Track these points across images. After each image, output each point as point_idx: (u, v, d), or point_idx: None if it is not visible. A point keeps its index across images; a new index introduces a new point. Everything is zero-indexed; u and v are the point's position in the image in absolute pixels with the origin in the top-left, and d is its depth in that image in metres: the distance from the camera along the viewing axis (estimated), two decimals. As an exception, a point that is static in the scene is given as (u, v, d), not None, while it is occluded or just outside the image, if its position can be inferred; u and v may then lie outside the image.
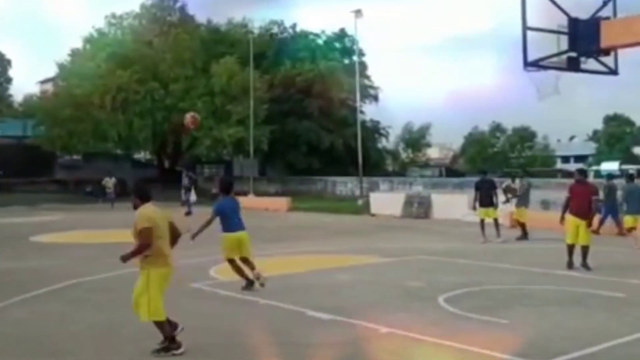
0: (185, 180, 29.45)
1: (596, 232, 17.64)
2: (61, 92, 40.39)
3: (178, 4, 45.01)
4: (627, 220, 15.63)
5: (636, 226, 15.36)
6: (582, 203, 11.63)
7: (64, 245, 16.85)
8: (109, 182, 33.01)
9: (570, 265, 11.65)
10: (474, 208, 17.06)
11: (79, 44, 42.22)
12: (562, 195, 21.47)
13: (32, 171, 40.58)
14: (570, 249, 11.71)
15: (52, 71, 43.34)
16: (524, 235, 16.97)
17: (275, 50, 44.47)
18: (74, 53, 41.53)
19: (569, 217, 11.67)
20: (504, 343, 6.94)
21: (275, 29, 48.79)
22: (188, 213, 26.49)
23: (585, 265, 11.63)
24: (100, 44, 40.33)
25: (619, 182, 18.71)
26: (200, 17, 45.56)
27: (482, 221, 16.40)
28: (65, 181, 42.45)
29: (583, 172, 12.63)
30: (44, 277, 11.28)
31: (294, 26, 49.14)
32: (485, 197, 16.50)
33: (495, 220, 16.46)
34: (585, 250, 11.68)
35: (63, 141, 38.82)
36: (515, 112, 72.64)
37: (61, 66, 41.66)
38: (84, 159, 44.33)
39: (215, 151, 40.85)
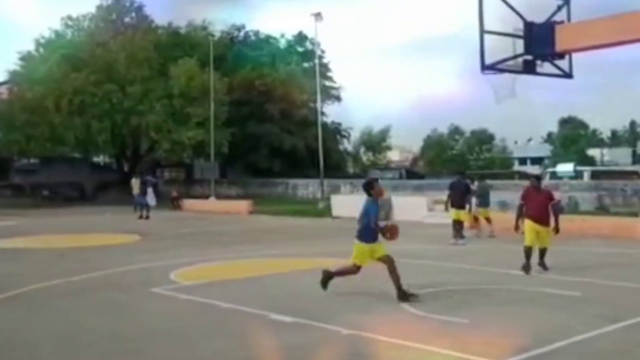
0: (137, 185, 28.60)
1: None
2: (14, 96, 39.56)
3: (135, 5, 44.53)
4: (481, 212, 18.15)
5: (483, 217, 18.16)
6: (539, 210, 11.61)
7: (21, 251, 16.50)
8: (136, 184, 28.97)
9: (527, 268, 11.41)
10: (447, 209, 17.13)
11: (31, 47, 41.42)
12: (519, 197, 21.99)
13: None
14: (528, 251, 11.55)
15: (3, 75, 42.43)
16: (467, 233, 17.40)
17: (235, 53, 44.34)
18: (25, 56, 40.66)
19: (528, 222, 11.65)
20: (465, 343, 7.03)
21: (235, 33, 48.65)
22: (145, 217, 26.19)
23: (542, 264, 11.68)
24: (53, 47, 39.61)
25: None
26: (161, 20, 45.16)
27: (454, 222, 16.59)
28: (21, 186, 41.58)
29: (538, 179, 12.77)
30: (2, 283, 11.01)
31: (256, 32, 49.12)
32: (457, 199, 16.72)
33: (461, 222, 16.67)
34: (543, 251, 11.74)
35: (20, 146, 38.05)
36: (473, 115, 74.08)
37: (13, 71, 40.80)
38: (41, 162, 43.48)
39: (175, 154, 40.49)
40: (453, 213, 16.67)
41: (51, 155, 40.70)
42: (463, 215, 16.78)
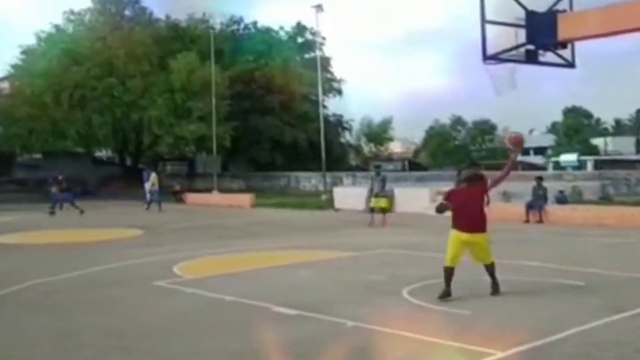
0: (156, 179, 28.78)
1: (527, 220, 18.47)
2: (15, 90, 39.58)
3: (133, -1, 44.47)
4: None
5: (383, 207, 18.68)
6: (471, 211, 8.69)
7: (23, 246, 16.51)
8: (154, 178, 28.61)
9: (447, 294, 8.62)
10: None
11: (32, 41, 41.40)
12: (522, 187, 21.98)
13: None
14: (449, 274, 8.76)
15: (6, 69, 42.39)
16: None
17: (235, 46, 44.21)
18: (26, 51, 40.63)
19: (455, 233, 8.80)
20: (467, 334, 7.01)
21: (235, 26, 48.55)
22: (146, 208, 26.47)
23: (495, 287, 8.94)
24: (53, 41, 39.57)
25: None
26: (159, 13, 45.10)
27: None
28: (25, 181, 41.62)
29: (475, 167, 9.55)
30: (0, 279, 11.01)
31: (254, 23, 49.00)
32: None
33: None
34: (489, 269, 8.96)
35: (22, 140, 38.07)
36: (475, 106, 73.75)
37: (14, 65, 40.78)
38: (44, 157, 43.51)
39: (178, 148, 40.47)
40: None
41: (54, 150, 40.72)
42: None
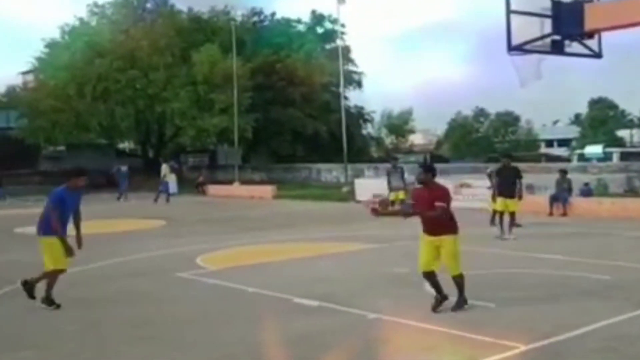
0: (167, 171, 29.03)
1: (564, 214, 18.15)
2: (40, 83, 39.99)
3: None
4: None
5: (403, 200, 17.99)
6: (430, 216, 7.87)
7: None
8: (167, 170, 28.77)
9: (438, 303, 7.77)
10: (494, 199, 14.97)
11: (56, 35, 41.76)
12: (546, 179, 21.76)
13: (16, 163, 40.17)
14: (430, 279, 7.96)
15: (30, 62, 42.79)
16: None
17: (256, 38, 44.22)
18: (50, 44, 40.98)
19: (421, 235, 8.09)
20: (490, 327, 6.96)
21: (256, 17, 48.57)
22: (155, 200, 26.90)
23: (459, 303, 7.76)
24: (77, 34, 39.87)
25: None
26: (181, 5, 45.22)
27: (501, 213, 14.51)
28: (49, 172, 42.08)
29: (429, 169, 8.26)
30: (28, 270, 11.10)
31: (273, 14, 48.99)
32: (506, 187, 14.39)
33: (512, 213, 14.27)
34: (458, 281, 7.90)
35: (46, 132, 38.47)
36: (498, 97, 73.14)
37: (39, 58, 41.18)
38: (67, 149, 43.96)
39: (200, 140, 40.64)
40: (500, 203, 14.53)
41: (77, 142, 41.11)
42: (512, 205, 14.34)
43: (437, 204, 7.74)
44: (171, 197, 28.77)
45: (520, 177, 14.59)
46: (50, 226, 8.36)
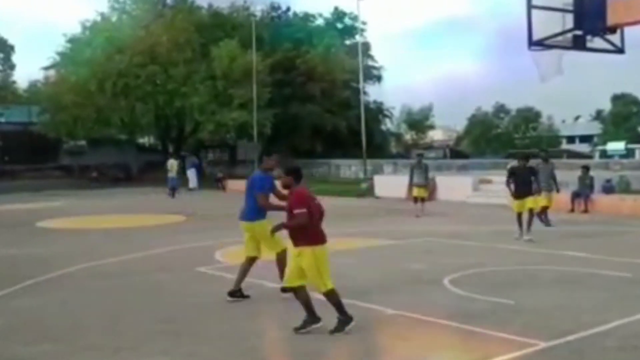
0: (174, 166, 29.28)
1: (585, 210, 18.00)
2: (61, 78, 40.34)
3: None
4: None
5: (423, 197, 18.52)
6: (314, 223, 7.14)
7: (70, 231, 16.88)
8: (174, 165, 28.99)
9: (309, 322, 6.88)
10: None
11: (77, 30, 42.07)
12: (568, 176, 21.58)
13: (38, 157, 40.67)
14: (298, 295, 7.08)
15: (52, 57, 43.16)
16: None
17: (275, 33, 44.22)
18: (72, 39, 41.32)
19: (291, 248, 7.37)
20: (509, 324, 6.93)
21: (274, 13, 48.58)
22: (172, 195, 27.16)
23: (342, 322, 6.84)
24: (97, 29, 40.13)
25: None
26: (201, 1, 45.30)
27: (519, 215, 13.81)
28: (70, 167, 42.53)
29: (291, 171, 7.25)
30: (49, 263, 11.29)
31: (288, 9, 49.02)
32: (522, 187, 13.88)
33: (531, 210, 13.74)
34: (332, 299, 6.98)
35: (67, 127, 38.80)
36: (519, 93, 72.49)
37: (60, 53, 41.53)
38: (88, 144, 44.35)
39: (219, 135, 40.76)
40: (517, 204, 13.86)
41: (98, 137, 41.45)
42: (531, 202, 13.75)
43: (296, 211, 6.90)
44: (191, 191, 28.93)
45: (536, 175, 14.11)
46: (258, 211, 8.62)
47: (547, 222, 15.71)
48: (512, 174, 14.15)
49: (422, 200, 18.73)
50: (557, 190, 16.26)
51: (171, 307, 8.12)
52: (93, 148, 43.31)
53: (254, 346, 6.49)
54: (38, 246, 13.68)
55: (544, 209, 15.63)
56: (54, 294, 9.00)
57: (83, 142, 44.59)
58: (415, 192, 18.58)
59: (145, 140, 51.12)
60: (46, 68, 45.37)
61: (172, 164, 29.10)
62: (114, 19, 42.06)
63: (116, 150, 43.11)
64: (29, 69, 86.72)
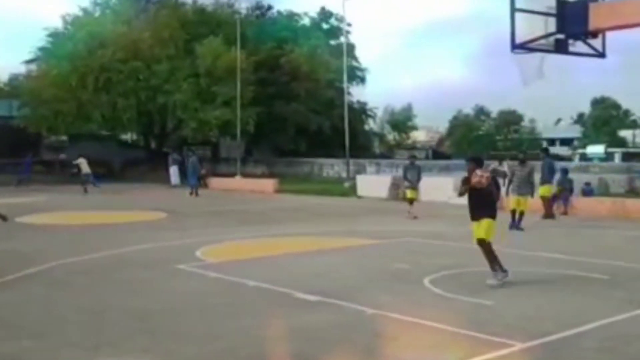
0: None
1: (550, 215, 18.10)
2: (43, 72, 39.97)
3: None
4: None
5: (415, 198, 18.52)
6: None
7: (50, 226, 16.74)
8: (84, 162, 28.92)
9: None
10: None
11: (59, 24, 41.70)
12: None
13: (18, 152, 40.23)
14: None
15: (33, 52, 42.74)
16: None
17: (260, 31, 44.13)
18: (53, 33, 40.95)
19: None
20: (488, 324, 6.99)
21: (259, 11, 48.48)
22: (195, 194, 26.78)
23: None
24: (79, 24, 39.81)
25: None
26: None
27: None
28: (51, 162, 42.13)
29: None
30: (29, 259, 11.20)
31: (269, 8, 48.96)
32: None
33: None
34: None
35: (48, 122, 38.44)
36: (502, 96, 73.05)
37: (42, 47, 41.14)
38: (69, 140, 43.98)
39: (202, 133, 40.63)
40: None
41: (79, 132, 41.12)
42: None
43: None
44: (173, 188, 28.74)
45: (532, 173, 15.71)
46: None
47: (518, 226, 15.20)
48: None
49: (412, 202, 18.47)
50: (532, 195, 15.77)
51: (151, 304, 8.09)
52: (74, 143, 42.96)
53: (233, 345, 6.49)
54: (17, 242, 13.55)
55: (521, 213, 15.33)
56: (33, 290, 8.93)
57: (64, 138, 44.23)
58: (410, 193, 18.42)
59: (127, 136, 50.77)
60: (27, 62, 44.95)
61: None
62: (96, 14, 41.73)
63: (98, 146, 42.75)
64: (9, 62, 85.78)
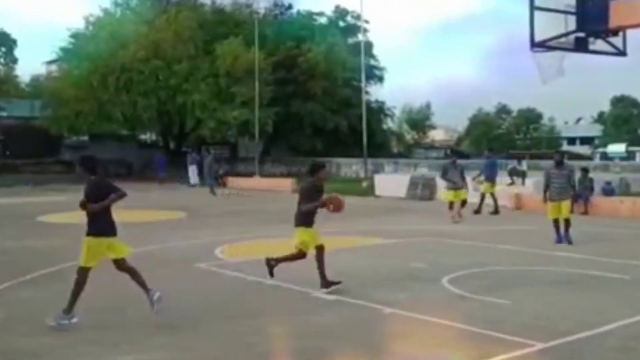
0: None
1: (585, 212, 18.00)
2: (64, 73, 40.39)
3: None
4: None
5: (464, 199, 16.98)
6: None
7: (70, 225, 16.86)
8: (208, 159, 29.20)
9: None
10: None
11: (81, 25, 42.08)
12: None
13: (39, 152, 40.69)
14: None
15: (55, 52, 43.13)
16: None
17: (278, 31, 44.21)
18: (75, 34, 41.33)
19: None
20: (506, 324, 6.95)
21: (277, 11, 48.59)
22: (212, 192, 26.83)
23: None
24: (101, 24, 40.15)
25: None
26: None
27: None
28: (71, 162, 42.53)
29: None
30: (50, 257, 11.33)
31: (289, 7, 48.99)
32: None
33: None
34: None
35: (69, 122, 38.82)
36: (521, 94, 72.37)
37: (63, 48, 41.54)
38: (90, 140, 44.36)
39: (220, 133, 40.78)
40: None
41: (100, 132, 41.48)
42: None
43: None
44: (192, 187, 28.84)
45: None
46: None
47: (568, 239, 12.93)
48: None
49: (463, 203, 16.96)
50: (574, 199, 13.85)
51: (170, 303, 8.14)
52: (94, 143, 43.28)
53: (252, 342, 6.52)
54: (38, 240, 13.72)
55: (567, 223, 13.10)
56: (54, 288, 9.03)
57: (85, 138, 44.61)
58: (451, 195, 16.93)
59: (146, 136, 51.13)
60: (49, 62, 45.40)
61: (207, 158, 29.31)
62: (117, 14, 42.07)
63: (118, 146, 43.12)
64: (31, 63, 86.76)
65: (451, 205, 16.92)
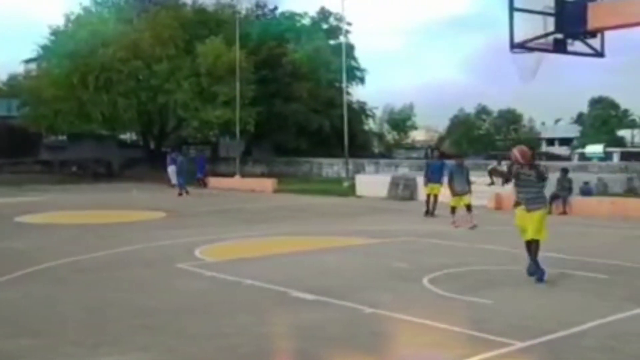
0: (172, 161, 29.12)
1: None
2: (43, 72, 39.99)
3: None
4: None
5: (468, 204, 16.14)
6: None
7: (49, 226, 16.74)
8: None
9: None
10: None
11: (60, 22, 41.72)
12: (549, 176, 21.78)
13: (17, 152, 40.29)
14: None
15: (35, 50, 42.73)
16: None
17: (261, 31, 44.13)
18: (55, 32, 40.95)
19: None
20: (487, 323, 6.99)
21: (260, 11, 48.50)
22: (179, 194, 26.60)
23: None
24: (81, 23, 39.80)
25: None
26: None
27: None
28: (50, 162, 42.17)
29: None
30: (29, 258, 11.21)
31: (274, 8, 48.97)
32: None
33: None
34: None
35: (48, 121, 38.44)
36: (501, 95, 73.03)
37: (43, 46, 41.13)
38: (69, 139, 43.98)
39: (202, 132, 40.62)
40: None
41: (79, 132, 41.13)
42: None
43: None
44: (172, 188, 28.68)
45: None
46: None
47: None
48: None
49: (469, 207, 16.06)
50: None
51: (151, 303, 8.10)
52: (74, 143, 42.98)
53: (233, 343, 6.50)
54: (17, 241, 13.56)
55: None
56: (33, 289, 8.94)
57: (64, 137, 44.25)
58: (454, 201, 16.11)
59: (126, 136, 50.79)
60: (27, 61, 44.93)
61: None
62: (98, 13, 41.72)
63: (97, 145, 42.84)
64: (8, 62, 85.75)
65: (453, 210, 16.19)
